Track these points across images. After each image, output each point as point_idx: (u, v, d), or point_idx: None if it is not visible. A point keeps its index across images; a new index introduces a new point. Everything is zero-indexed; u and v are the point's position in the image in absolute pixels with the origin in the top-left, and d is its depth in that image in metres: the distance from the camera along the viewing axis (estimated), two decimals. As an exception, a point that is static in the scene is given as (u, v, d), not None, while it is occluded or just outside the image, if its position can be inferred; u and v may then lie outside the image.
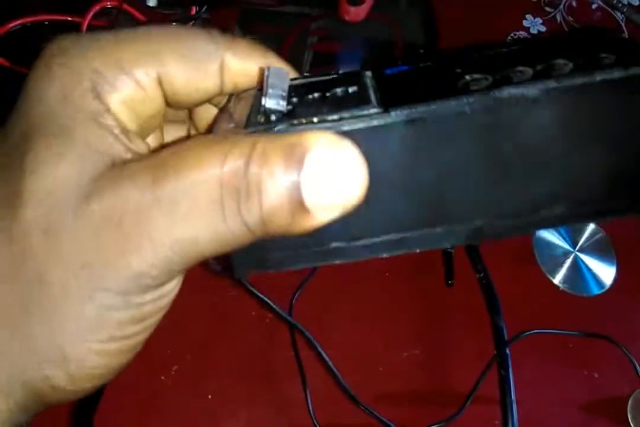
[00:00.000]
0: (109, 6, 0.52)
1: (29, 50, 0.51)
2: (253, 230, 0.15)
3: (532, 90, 0.16)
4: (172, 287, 0.18)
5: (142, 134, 0.19)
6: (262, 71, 0.19)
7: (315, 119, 0.16)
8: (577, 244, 0.49)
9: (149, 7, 0.54)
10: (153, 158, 0.16)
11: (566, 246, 0.48)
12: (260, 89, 0.19)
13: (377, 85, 0.18)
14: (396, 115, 0.16)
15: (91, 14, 0.51)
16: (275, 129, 0.16)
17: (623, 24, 0.60)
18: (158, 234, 0.15)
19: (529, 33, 0.58)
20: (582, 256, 0.48)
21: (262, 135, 0.16)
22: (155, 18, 0.54)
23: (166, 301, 0.18)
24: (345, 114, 0.16)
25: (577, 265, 0.48)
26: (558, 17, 0.59)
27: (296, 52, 0.56)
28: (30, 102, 0.17)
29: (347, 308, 0.44)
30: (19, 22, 0.51)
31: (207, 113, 0.23)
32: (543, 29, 0.58)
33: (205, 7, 0.54)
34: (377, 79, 0.18)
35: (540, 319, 0.46)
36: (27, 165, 0.16)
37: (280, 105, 0.17)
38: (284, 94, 0.17)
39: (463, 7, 0.59)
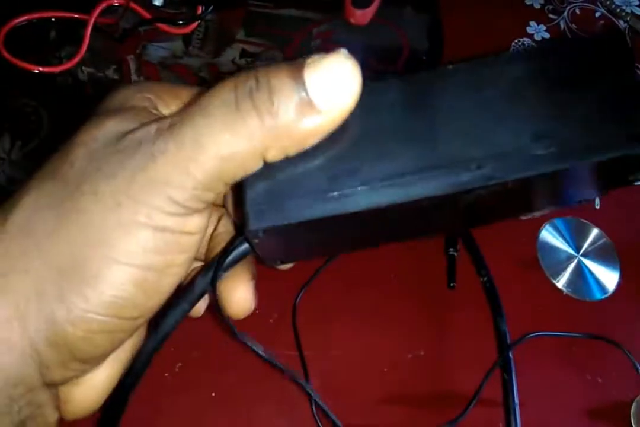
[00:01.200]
0: (116, 4, 0.52)
1: (34, 46, 0.51)
2: (264, 120, 0.17)
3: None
4: (195, 227, 0.19)
5: None
6: None
7: None
8: (580, 249, 0.49)
9: (155, 6, 0.55)
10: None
11: (570, 251, 0.48)
12: None
13: None
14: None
15: (98, 11, 0.51)
16: None
17: (626, 32, 0.61)
18: (180, 139, 0.17)
19: (533, 40, 0.58)
20: (586, 261, 0.48)
21: None
22: (161, 17, 0.54)
23: (188, 242, 0.19)
24: None
25: (580, 270, 0.48)
26: (562, 24, 0.60)
27: (300, 55, 0.56)
28: (101, 103, 0.21)
29: (351, 309, 0.43)
30: (25, 18, 0.51)
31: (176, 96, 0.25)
32: (547, 35, 0.59)
33: (211, 7, 0.54)
34: None
35: (543, 323, 0.45)
36: (80, 128, 0.19)
37: None
38: None
39: (468, 13, 0.59)
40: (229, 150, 0.17)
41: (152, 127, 0.18)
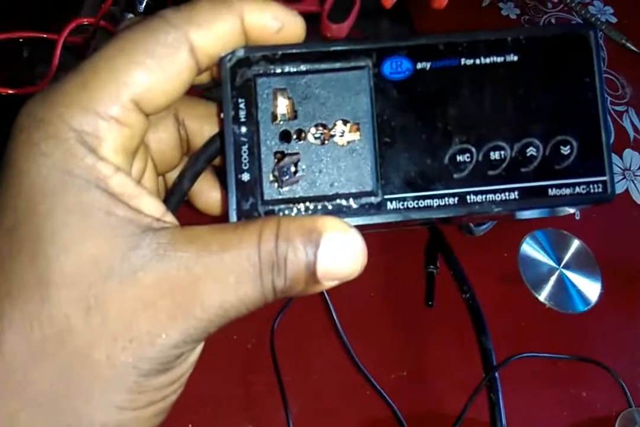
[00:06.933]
0: (86, 23, 0.51)
1: (2, 68, 0.50)
2: (278, 294, 0.18)
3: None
4: (202, 343, 0.19)
5: (132, 159, 0.19)
6: None
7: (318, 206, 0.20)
8: (562, 261, 0.48)
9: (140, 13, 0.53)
10: (189, 231, 0.17)
11: (551, 263, 0.48)
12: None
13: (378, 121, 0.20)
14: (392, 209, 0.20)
15: (67, 31, 0.50)
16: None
17: (601, 41, 0.61)
18: (210, 300, 0.17)
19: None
20: (567, 273, 0.48)
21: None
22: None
23: (196, 357, 0.19)
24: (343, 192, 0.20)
25: (562, 282, 0.48)
26: (537, 34, 0.60)
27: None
28: (28, 182, 0.17)
29: (331, 331, 0.43)
30: (-8, 38, 0.50)
31: (194, 110, 0.23)
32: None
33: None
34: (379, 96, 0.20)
35: (527, 338, 0.45)
36: (47, 246, 0.16)
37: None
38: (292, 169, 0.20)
39: (444, 25, 0.59)
40: (244, 311, 0.18)
41: (172, 276, 0.17)
